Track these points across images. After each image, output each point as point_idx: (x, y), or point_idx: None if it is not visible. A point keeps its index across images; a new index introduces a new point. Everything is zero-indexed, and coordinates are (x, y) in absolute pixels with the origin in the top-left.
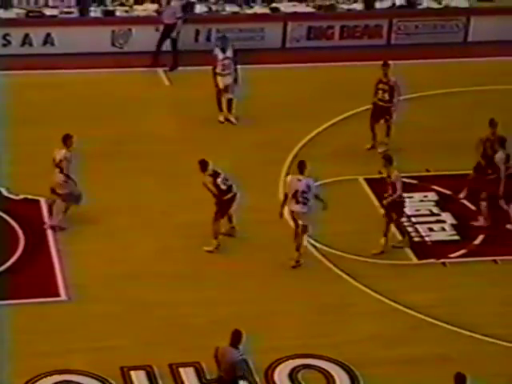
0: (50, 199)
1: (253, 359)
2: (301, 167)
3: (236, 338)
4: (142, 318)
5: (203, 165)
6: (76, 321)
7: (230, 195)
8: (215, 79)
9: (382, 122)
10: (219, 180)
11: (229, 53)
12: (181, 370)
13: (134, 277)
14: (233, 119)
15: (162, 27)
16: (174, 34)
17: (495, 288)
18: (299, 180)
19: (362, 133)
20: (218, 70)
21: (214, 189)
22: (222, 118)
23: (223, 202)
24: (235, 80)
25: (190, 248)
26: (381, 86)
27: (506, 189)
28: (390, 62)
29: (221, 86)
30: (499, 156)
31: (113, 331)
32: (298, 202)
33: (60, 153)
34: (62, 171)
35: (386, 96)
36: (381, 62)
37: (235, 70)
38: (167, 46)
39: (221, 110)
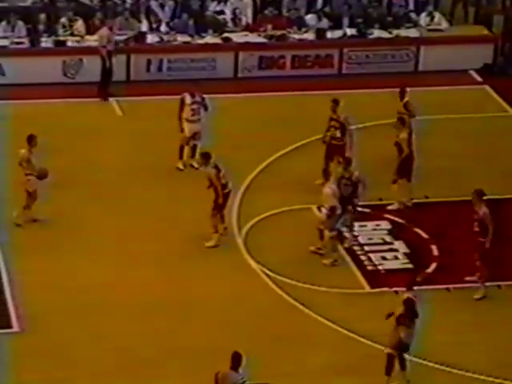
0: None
1: None
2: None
3: (236, 361)
4: (93, 348)
5: (206, 157)
6: (28, 352)
7: (227, 190)
8: (181, 125)
9: (336, 160)
10: (221, 174)
11: (198, 97)
12: None
13: (86, 308)
14: (196, 164)
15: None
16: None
17: (448, 316)
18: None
19: (314, 162)
20: (187, 115)
21: (218, 182)
22: (181, 166)
23: (223, 195)
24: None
25: (139, 277)
26: (332, 123)
27: None
28: (342, 91)
29: (187, 133)
30: None
31: (65, 362)
32: None
33: (20, 153)
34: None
35: (338, 133)
36: (332, 92)
37: (206, 114)
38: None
39: (181, 157)
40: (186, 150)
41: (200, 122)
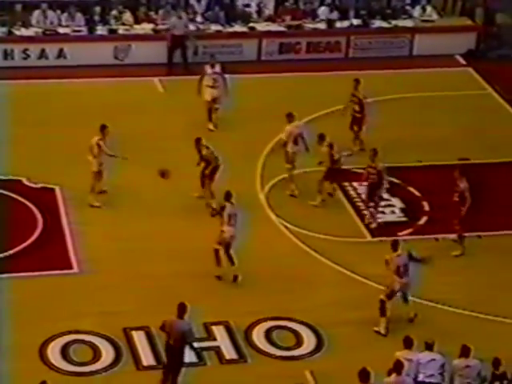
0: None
1: (234, 321)
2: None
3: (182, 310)
4: (140, 287)
5: (197, 140)
6: (86, 289)
7: (217, 164)
8: (200, 90)
9: (355, 128)
10: (211, 151)
11: (217, 69)
12: None
13: (134, 253)
14: (212, 127)
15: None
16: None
17: (436, 261)
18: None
19: (325, 131)
20: (208, 83)
21: (214, 158)
22: (211, 127)
23: (215, 168)
24: (226, 93)
25: (181, 227)
26: (353, 98)
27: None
28: (348, 72)
29: (208, 97)
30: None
31: (117, 298)
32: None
33: (93, 140)
34: (92, 154)
35: (357, 108)
36: (340, 73)
37: (225, 84)
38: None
39: (210, 119)
40: (212, 113)
41: (219, 89)
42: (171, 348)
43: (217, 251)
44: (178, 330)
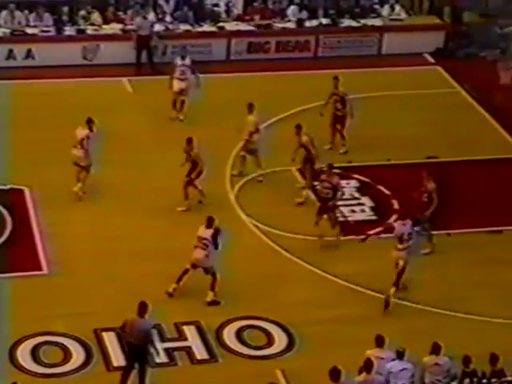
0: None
1: (205, 321)
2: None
3: (142, 309)
4: (111, 288)
5: (189, 141)
6: (56, 291)
7: (202, 169)
8: (171, 82)
9: (338, 127)
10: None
11: (187, 61)
12: None
13: (106, 254)
14: (181, 117)
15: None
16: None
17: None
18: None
19: (292, 131)
20: (177, 74)
21: (201, 159)
22: (173, 115)
23: (200, 172)
24: (198, 85)
25: (154, 228)
26: (334, 97)
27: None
28: (317, 71)
29: (175, 89)
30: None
31: (87, 299)
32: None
33: (82, 132)
34: (82, 147)
35: (339, 105)
36: (309, 72)
37: (196, 76)
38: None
39: (174, 107)
40: (177, 104)
41: (187, 81)
42: (134, 347)
43: (185, 270)
44: (139, 328)
